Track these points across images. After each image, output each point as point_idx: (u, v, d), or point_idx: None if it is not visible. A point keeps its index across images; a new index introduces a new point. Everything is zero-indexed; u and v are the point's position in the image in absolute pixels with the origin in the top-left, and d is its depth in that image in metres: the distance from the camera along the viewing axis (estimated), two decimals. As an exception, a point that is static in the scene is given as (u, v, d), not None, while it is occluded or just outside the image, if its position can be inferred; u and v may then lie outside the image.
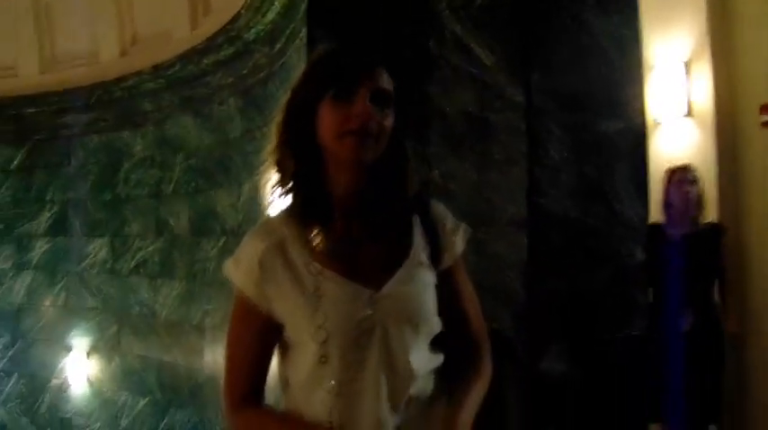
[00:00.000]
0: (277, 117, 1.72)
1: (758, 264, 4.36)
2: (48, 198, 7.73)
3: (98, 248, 7.38)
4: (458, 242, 1.78)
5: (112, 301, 7.23)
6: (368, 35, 2.92)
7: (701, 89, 4.51)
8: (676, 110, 4.58)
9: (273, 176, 1.71)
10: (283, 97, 1.74)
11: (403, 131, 1.69)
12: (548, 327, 2.71)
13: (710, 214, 4.36)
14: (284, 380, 1.73)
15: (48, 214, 7.73)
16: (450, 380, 1.73)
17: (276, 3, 4.78)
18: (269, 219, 1.78)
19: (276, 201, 1.75)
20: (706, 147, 4.48)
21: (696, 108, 4.54)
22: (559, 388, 2.68)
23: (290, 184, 1.67)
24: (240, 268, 1.67)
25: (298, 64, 4.27)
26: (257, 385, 1.71)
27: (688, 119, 4.57)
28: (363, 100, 1.58)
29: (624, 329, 2.83)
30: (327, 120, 1.60)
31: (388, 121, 1.62)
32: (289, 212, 1.69)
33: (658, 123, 4.66)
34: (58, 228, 7.67)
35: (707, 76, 4.50)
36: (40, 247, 7.75)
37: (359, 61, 1.64)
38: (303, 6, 4.04)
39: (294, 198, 1.67)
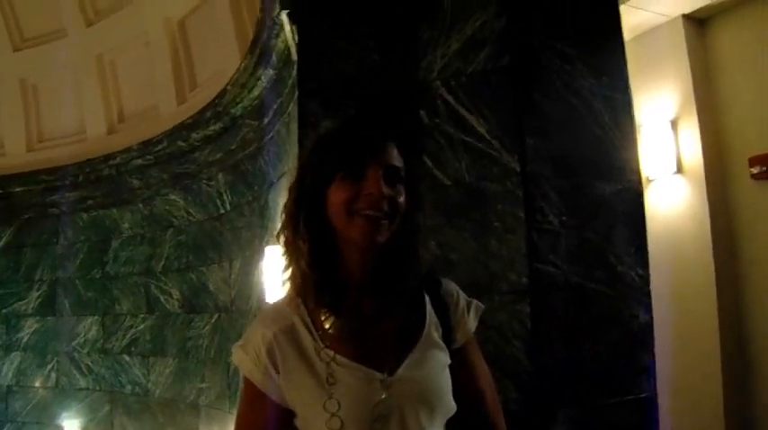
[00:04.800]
0: (285, 199, 1.70)
1: (756, 314, 4.34)
2: (36, 277, 7.70)
3: (88, 327, 7.32)
4: (470, 320, 1.76)
5: (104, 381, 7.15)
6: (361, 108, 2.93)
7: (690, 145, 4.55)
8: (666, 167, 4.60)
9: (282, 257, 1.68)
10: (273, 171, 1.72)
11: (415, 206, 1.67)
12: (554, 396, 2.65)
13: (707, 268, 4.37)
14: None
15: (36, 293, 7.69)
16: None
17: (262, 78, 4.81)
18: (276, 303, 1.73)
19: (271, 277, 1.72)
20: (698, 201, 4.49)
21: (686, 164, 4.57)
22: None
23: (302, 266, 1.63)
24: (248, 355, 1.63)
25: (287, 138, 4.29)
26: None
27: (678, 175, 4.59)
28: (375, 178, 1.56)
29: (632, 392, 2.78)
30: (338, 200, 1.57)
31: (401, 198, 1.60)
32: (297, 294, 1.65)
33: (650, 181, 4.67)
34: (48, 307, 7.62)
35: (694, 131, 4.53)
36: (29, 327, 7.71)
37: (368, 138, 1.62)
38: (291, 81, 4.07)
39: (305, 280, 1.63)
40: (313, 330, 1.61)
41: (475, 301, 1.80)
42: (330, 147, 1.64)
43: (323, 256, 1.61)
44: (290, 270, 1.66)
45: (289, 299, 1.68)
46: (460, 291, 1.79)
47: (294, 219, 1.64)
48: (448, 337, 1.70)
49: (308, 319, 1.62)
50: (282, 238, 1.66)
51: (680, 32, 4.59)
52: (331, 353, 1.58)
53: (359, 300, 1.63)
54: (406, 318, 1.66)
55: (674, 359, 4.42)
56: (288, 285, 1.67)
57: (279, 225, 1.69)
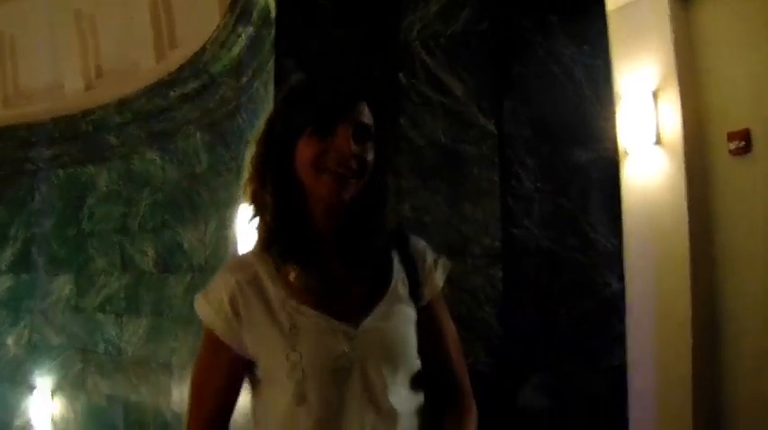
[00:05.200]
0: (252, 150, 1.68)
1: (728, 287, 4.36)
2: (11, 234, 7.65)
3: (62, 285, 7.29)
4: (438, 277, 1.75)
5: (77, 339, 7.13)
6: (337, 66, 2.90)
7: (670, 118, 4.53)
8: (645, 139, 4.60)
9: (248, 210, 1.66)
10: (250, 131, 1.70)
11: (383, 166, 1.65)
12: (525, 361, 2.66)
13: (682, 241, 4.38)
14: (255, 415, 1.67)
15: (11, 250, 7.65)
16: (433, 420, 1.68)
17: (242, 36, 4.76)
18: (242, 255, 1.72)
19: (245, 237, 1.71)
20: (675, 174, 4.48)
21: (665, 136, 4.56)
22: (539, 422, 2.63)
23: (267, 220, 1.61)
24: (210, 304, 1.61)
25: (265, 97, 4.25)
26: (223, 421, 1.66)
27: (657, 147, 4.58)
28: (344, 136, 1.54)
29: (602, 360, 2.79)
30: (306, 154, 1.55)
31: (370, 156, 1.58)
32: (263, 247, 1.64)
33: (627, 152, 4.67)
34: (22, 264, 7.58)
35: (675, 104, 4.52)
36: (2, 284, 7.69)
37: (340, 94, 1.59)
38: (269, 40, 4.02)
39: (270, 233, 1.62)
40: (278, 281, 1.60)
41: (442, 258, 1.79)
42: (301, 100, 1.62)
43: (289, 210, 1.60)
44: (256, 221, 1.64)
45: (255, 250, 1.67)
46: (429, 248, 1.78)
47: (261, 172, 1.62)
48: (415, 293, 1.69)
49: (273, 271, 1.61)
50: (249, 190, 1.64)
51: (663, 4, 4.56)
52: (294, 303, 1.57)
53: (325, 253, 1.62)
54: (373, 272, 1.65)
55: (647, 329, 4.45)
56: (257, 236, 1.66)
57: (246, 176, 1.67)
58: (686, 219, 4.41)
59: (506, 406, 2.59)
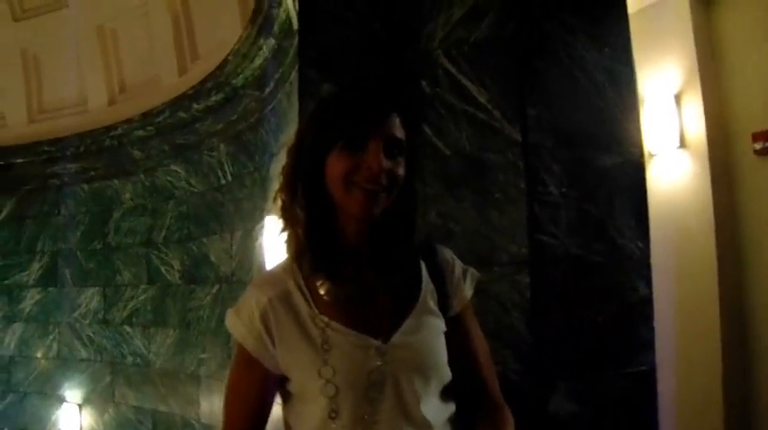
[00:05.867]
0: (283, 162, 1.68)
1: (756, 290, 4.33)
2: (38, 248, 7.72)
3: (90, 298, 7.35)
4: (466, 287, 1.75)
5: (105, 351, 7.19)
6: (361, 76, 2.91)
7: (693, 120, 4.52)
8: (669, 142, 4.58)
9: (278, 222, 1.67)
10: (274, 142, 1.70)
11: (414, 178, 1.65)
12: (554, 367, 2.65)
13: (708, 243, 4.36)
14: (288, 429, 1.68)
15: (38, 264, 7.72)
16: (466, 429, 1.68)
17: (264, 48, 4.79)
18: (271, 270, 1.73)
19: (272, 247, 1.71)
20: (701, 177, 4.46)
21: (689, 139, 4.54)
22: (568, 427, 2.63)
23: (298, 232, 1.62)
24: (241, 320, 1.62)
25: (288, 108, 4.28)
26: None
27: (681, 150, 4.57)
28: (375, 151, 1.53)
29: (631, 365, 2.78)
30: (336, 170, 1.55)
31: (401, 170, 1.58)
32: (292, 262, 1.64)
33: (652, 155, 4.65)
34: (49, 278, 7.65)
35: (698, 106, 4.50)
36: (30, 298, 7.74)
37: (371, 108, 1.58)
38: (292, 51, 4.05)
39: (300, 248, 1.62)
40: (308, 296, 1.61)
41: (471, 269, 1.80)
42: (331, 115, 1.61)
43: (319, 223, 1.60)
44: (286, 234, 1.65)
45: (285, 264, 1.67)
46: (456, 259, 1.78)
47: (292, 184, 1.62)
48: (444, 305, 1.69)
49: (303, 285, 1.62)
50: (279, 202, 1.65)
51: (685, 6, 4.55)
52: (326, 319, 1.57)
53: (355, 267, 1.62)
54: (402, 285, 1.65)
55: (675, 334, 4.43)
56: (286, 249, 1.66)
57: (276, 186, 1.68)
58: (712, 221, 4.39)
59: (536, 412, 2.59)
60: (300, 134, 1.66)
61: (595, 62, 2.88)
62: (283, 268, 1.67)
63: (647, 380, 2.80)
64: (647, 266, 2.88)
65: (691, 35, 4.55)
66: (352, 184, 1.54)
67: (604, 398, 2.70)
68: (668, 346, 4.23)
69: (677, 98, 4.60)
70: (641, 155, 2.97)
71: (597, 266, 2.76)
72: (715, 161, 4.44)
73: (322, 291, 1.60)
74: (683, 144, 4.56)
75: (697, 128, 4.50)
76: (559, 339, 2.67)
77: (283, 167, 1.66)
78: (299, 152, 1.63)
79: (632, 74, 3.02)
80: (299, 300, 1.61)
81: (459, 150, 2.80)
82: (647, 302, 2.84)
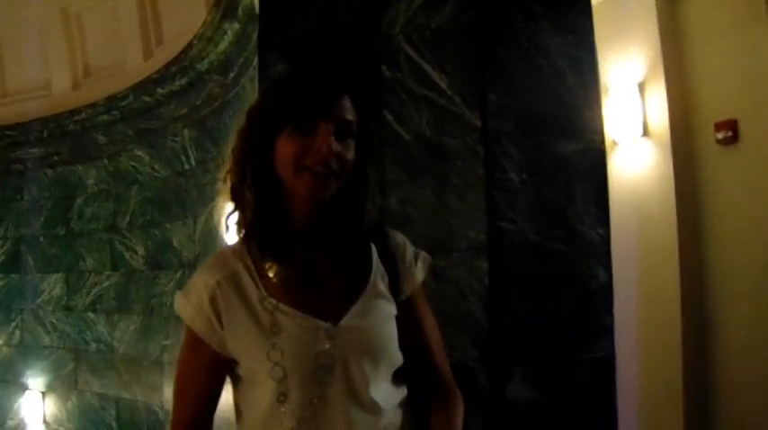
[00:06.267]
0: (232, 143, 1.66)
1: (717, 278, 4.37)
2: (0, 234, 7.59)
3: (53, 284, 7.28)
4: (418, 271, 1.74)
5: (69, 338, 7.13)
6: (320, 60, 2.89)
7: (657, 109, 4.54)
8: (632, 130, 4.60)
9: (228, 206, 1.65)
10: (237, 126, 1.68)
11: (364, 161, 1.63)
12: (512, 353, 2.66)
13: (670, 231, 4.39)
14: (238, 412, 1.66)
15: (0, 250, 7.59)
16: (417, 413, 1.68)
17: (228, 32, 4.76)
18: (221, 252, 1.71)
19: (232, 231, 1.69)
20: (663, 165, 4.49)
21: (652, 128, 4.57)
22: (526, 413, 2.63)
23: (247, 215, 1.60)
24: (190, 303, 1.60)
25: (251, 94, 4.25)
26: (206, 419, 1.65)
27: (644, 139, 4.59)
28: (325, 134, 1.51)
29: (590, 351, 2.79)
30: (286, 152, 1.53)
31: (351, 154, 1.56)
32: (242, 244, 1.63)
33: (616, 143, 4.67)
34: (12, 264, 7.57)
35: (661, 95, 4.52)
36: (-7, 284, 7.61)
37: (321, 91, 1.56)
38: (255, 36, 4.02)
39: (249, 230, 1.60)
40: (257, 278, 1.59)
41: (422, 253, 1.78)
42: (281, 96, 1.59)
43: (268, 206, 1.58)
44: (235, 215, 1.63)
45: (235, 246, 1.65)
46: (408, 243, 1.77)
47: (241, 166, 1.60)
48: (395, 288, 1.68)
49: (252, 267, 1.60)
50: (228, 184, 1.63)
51: (650, -5, 4.58)
52: (274, 301, 1.55)
53: (304, 250, 1.61)
54: (352, 268, 1.64)
55: (636, 321, 4.46)
56: (236, 231, 1.65)
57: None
58: (674, 209, 4.42)
59: (494, 398, 2.59)
60: (250, 115, 1.63)
61: (558, 49, 2.88)
62: (233, 250, 1.65)
63: (606, 366, 2.81)
64: (607, 253, 2.89)
65: (655, 24, 4.57)
66: (301, 167, 1.52)
67: (562, 384, 2.71)
68: (629, 333, 4.27)
69: (641, 87, 4.62)
70: (602, 142, 2.98)
71: (556, 253, 2.76)
72: (678, 150, 4.47)
73: (271, 274, 1.58)
74: (646, 132, 4.59)
75: (660, 116, 4.53)
76: (517, 325, 2.67)
77: (233, 149, 1.63)
78: (248, 134, 1.61)
79: (594, 61, 3.02)
80: (247, 282, 1.59)
81: (419, 136, 2.78)
82: (607, 289, 2.86)
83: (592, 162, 2.90)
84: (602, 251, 2.86)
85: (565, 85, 2.89)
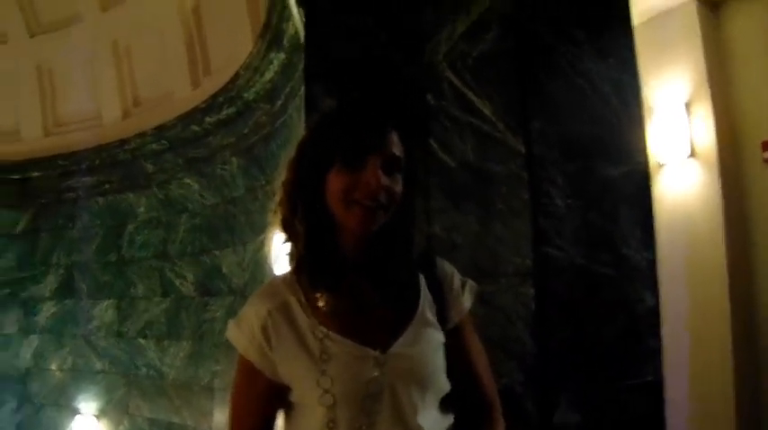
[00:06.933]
0: (283, 176, 1.70)
1: (766, 299, 4.31)
2: (53, 261, 7.78)
3: (104, 310, 7.40)
4: (465, 299, 1.76)
5: (120, 364, 7.23)
6: (366, 91, 2.93)
7: (703, 129, 4.51)
8: (679, 151, 4.57)
9: (279, 236, 1.69)
10: (285, 155, 1.72)
11: (411, 194, 1.67)
12: (559, 378, 2.65)
13: (719, 252, 4.34)
14: None
15: (54, 277, 7.77)
16: None
17: (274, 62, 4.83)
18: (272, 281, 1.74)
19: (283, 261, 1.73)
20: (710, 186, 4.46)
21: (698, 148, 4.53)
22: (575, 440, 2.62)
23: (299, 247, 1.64)
24: (242, 332, 1.64)
25: (298, 122, 4.31)
26: None
27: (691, 159, 4.56)
28: (374, 169, 1.55)
29: (637, 376, 2.77)
30: (336, 186, 1.57)
31: (398, 187, 1.60)
32: (293, 274, 1.67)
33: (662, 165, 4.64)
34: (65, 290, 7.70)
35: (707, 115, 4.49)
36: (46, 311, 7.79)
37: (369, 127, 1.60)
38: (301, 65, 4.07)
39: (300, 261, 1.65)
40: (307, 308, 1.62)
41: (469, 281, 1.81)
42: (330, 133, 1.63)
43: (319, 238, 1.62)
44: (287, 246, 1.67)
45: (285, 276, 1.69)
46: (455, 271, 1.80)
47: (292, 199, 1.64)
48: (442, 316, 1.70)
49: (302, 297, 1.64)
50: (280, 217, 1.67)
51: (693, 15, 4.55)
52: (324, 329, 1.59)
53: (353, 280, 1.64)
54: (401, 298, 1.66)
55: (686, 344, 4.41)
56: (288, 261, 1.69)
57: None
58: (722, 229, 4.38)
59: (541, 424, 2.59)
60: (300, 150, 1.68)
61: (600, 73, 2.89)
62: (283, 280, 1.69)
63: (654, 390, 2.79)
64: (654, 277, 2.87)
65: (699, 44, 4.55)
66: (351, 201, 1.56)
67: (610, 410, 2.69)
68: (679, 356, 4.22)
69: (687, 107, 4.59)
70: (647, 165, 2.97)
71: (602, 277, 2.75)
72: (725, 170, 4.43)
73: (321, 303, 1.61)
74: (692, 153, 4.55)
75: (706, 137, 4.50)
76: (564, 350, 2.67)
77: (283, 182, 1.68)
78: (299, 167, 1.65)
79: (637, 84, 3.02)
80: (297, 311, 1.63)
81: (464, 162, 2.81)
82: (654, 313, 2.83)
83: (637, 185, 2.89)
84: (648, 275, 2.84)
85: (608, 109, 2.89)
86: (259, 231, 5.46)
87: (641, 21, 4.39)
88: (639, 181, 2.92)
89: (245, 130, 5.82)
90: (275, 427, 1.70)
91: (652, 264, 2.86)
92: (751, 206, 4.41)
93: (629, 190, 2.87)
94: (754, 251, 4.38)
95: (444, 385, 1.66)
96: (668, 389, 2.84)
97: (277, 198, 1.71)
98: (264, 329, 1.61)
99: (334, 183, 1.58)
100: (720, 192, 4.41)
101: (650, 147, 3.14)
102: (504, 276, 2.69)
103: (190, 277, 6.66)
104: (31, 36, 7.65)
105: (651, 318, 2.82)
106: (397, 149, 1.62)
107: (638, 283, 2.82)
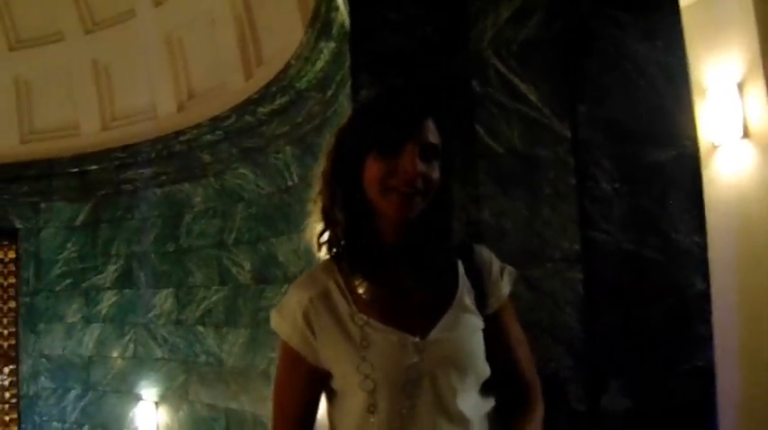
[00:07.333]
0: (321, 165, 1.74)
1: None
2: (113, 252, 7.94)
3: (163, 299, 7.52)
4: (504, 285, 1.78)
5: (179, 351, 7.35)
6: (412, 77, 2.95)
7: (757, 110, 4.43)
8: (732, 132, 4.50)
9: (319, 225, 1.73)
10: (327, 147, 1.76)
11: (449, 181, 1.69)
12: (608, 363, 2.66)
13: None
14: (332, 426, 1.74)
15: (113, 267, 7.94)
16: (504, 424, 1.71)
17: (324, 51, 4.86)
18: (312, 270, 1.79)
19: (323, 250, 1.76)
20: (764, 167, 4.37)
21: (752, 129, 4.45)
22: (622, 424, 2.62)
23: (338, 234, 1.68)
24: (285, 320, 1.69)
25: (348, 110, 4.33)
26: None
27: (745, 140, 4.48)
28: (411, 156, 1.58)
29: (687, 361, 2.75)
30: (373, 173, 1.60)
31: (435, 174, 1.62)
32: (332, 262, 1.70)
33: (716, 146, 4.57)
34: (125, 280, 7.86)
35: (761, 95, 4.41)
36: (107, 300, 7.97)
37: (405, 114, 1.63)
38: (350, 53, 4.10)
39: (341, 247, 1.69)
40: (347, 295, 1.67)
41: (508, 267, 1.82)
42: (367, 121, 1.67)
43: (358, 225, 1.66)
44: (326, 234, 1.71)
45: (325, 264, 1.73)
46: (494, 257, 1.82)
47: (331, 187, 1.69)
48: (481, 303, 1.73)
49: (342, 284, 1.68)
50: (319, 205, 1.71)
51: (746, -7, 4.47)
52: (364, 316, 1.63)
53: (392, 267, 1.67)
54: (439, 284, 1.69)
55: (738, 330, 4.34)
56: (326, 250, 1.72)
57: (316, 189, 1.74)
58: (777, 211, 4.30)
59: (590, 409, 2.60)
60: (338, 138, 1.72)
61: (646, 55, 2.86)
62: (323, 268, 1.74)
63: (705, 377, 2.76)
64: (704, 261, 2.84)
65: (753, 23, 4.46)
66: (388, 188, 1.60)
67: (659, 395, 2.69)
68: (731, 343, 4.16)
69: (740, 87, 4.51)
70: (696, 148, 2.93)
71: (651, 262, 2.74)
72: (779, 151, 4.35)
73: (360, 290, 1.66)
74: (746, 134, 4.47)
75: (761, 117, 4.41)
76: (613, 335, 2.67)
77: (322, 171, 1.72)
78: (337, 155, 1.69)
79: (685, 66, 2.98)
80: (338, 298, 1.67)
81: (511, 148, 2.82)
82: (705, 298, 2.81)
83: (686, 168, 2.86)
84: (698, 259, 2.81)
85: (655, 92, 2.86)
86: (311, 212, 5.50)
87: (693, 0, 4.33)
88: (688, 164, 2.88)
89: (298, 120, 5.86)
90: (317, 413, 1.74)
91: (702, 248, 2.83)
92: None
93: (677, 173, 2.85)
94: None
95: (484, 370, 1.69)
96: (719, 377, 2.82)
97: (316, 187, 1.75)
98: (306, 316, 1.65)
99: (372, 170, 1.61)
100: (774, 172, 4.33)
101: (702, 129, 3.10)
102: (552, 261, 2.70)
103: (247, 265, 6.75)
104: (86, 33, 7.80)
105: (701, 303, 2.79)
106: (434, 137, 1.64)
107: (687, 268, 2.79)
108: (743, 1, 4.48)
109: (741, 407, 4.23)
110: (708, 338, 2.77)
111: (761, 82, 4.40)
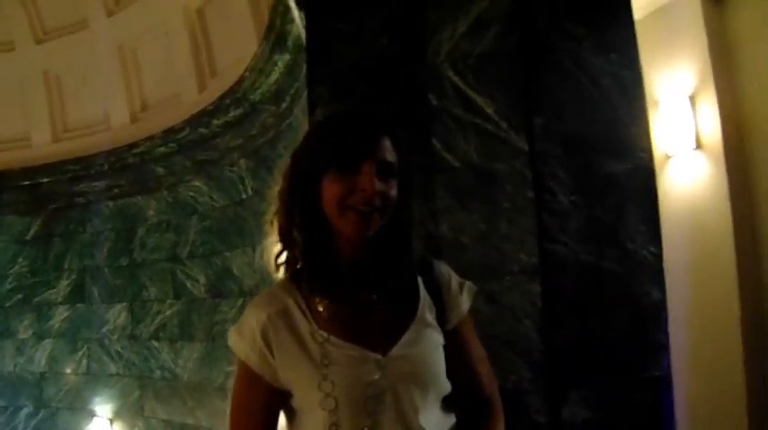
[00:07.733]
0: (278, 185, 1.73)
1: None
2: (65, 266, 7.84)
3: (117, 314, 7.45)
4: (463, 301, 1.78)
5: (134, 366, 7.28)
6: (368, 91, 2.94)
7: (709, 121, 4.49)
8: (685, 143, 4.56)
9: (277, 246, 1.71)
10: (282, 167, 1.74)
11: (407, 198, 1.69)
12: (567, 375, 2.67)
13: (727, 245, 4.32)
14: None
15: (66, 282, 7.84)
16: None
17: (279, 63, 4.85)
18: (271, 288, 1.77)
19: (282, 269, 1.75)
20: (717, 178, 4.43)
21: (705, 140, 4.51)
22: (584, 435, 2.64)
23: (296, 253, 1.67)
24: (243, 338, 1.67)
25: (303, 123, 4.32)
26: None
27: (698, 151, 4.54)
28: (368, 175, 1.57)
29: (645, 370, 2.78)
30: (331, 193, 1.59)
31: (393, 192, 1.62)
32: (291, 279, 1.69)
33: (669, 157, 4.63)
34: (77, 295, 7.76)
35: (713, 107, 4.47)
36: (59, 315, 7.86)
37: (362, 133, 1.62)
38: (306, 66, 4.09)
39: (298, 268, 1.68)
40: (307, 313, 1.65)
41: (468, 282, 1.82)
42: (324, 141, 1.66)
43: (316, 244, 1.65)
44: (284, 255, 1.69)
45: (283, 283, 1.71)
46: (453, 273, 1.82)
47: (288, 207, 1.67)
48: (442, 318, 1.73)
49: (302, 303, 1.66)
50: (276, 225, 1.70)
51: (697, 6, 4.52)
52: (325, 334, 1.61)
53: (352, 284, 1.66)
54: (400, 300, 1.68)
55: (694, 339, 4.39)
56: (284, 270, 1.71)
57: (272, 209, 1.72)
58: (731, 221, 4.34)
59: (550, 420, 2.60)
60: (295, 159, 1.71)
61: (601, 68, 2.89)
62: (282, 286, 1.72)
63: (663, 385, 2.79)
64: (660, 271, 2.87)
65: (703, 35, 4.52)
66: (346, 207, 1.59)
67: (619, 405, 2.71)
68: (687, 352, 4.21)
69: (692, 99, 4.57)
70: (651, 159, 2.97)
71: (609, 273, 2.76)
72: (732, 162, 4.40)
73: (320, 308, 1.64)
74: (699, 145, 4.53)
75: (713, 128, 4.47)
76: (572, 346, 2.69)
77: (279, 191, 1.70)
78: (294, 175, 1.68)
79: (639, 78, 3.01)
80: (297, 316, 1.65)
81: (468, 162, 2.83)
82: (661, 307, 2.84)
83: (641, 180, 2.89)
84: (654, 269, 2.84)
85: (610, 104, 2.89)
86: (267, 233, 5.48)
87: (645, 14, 4.39)
88: (644, 175, 2.91)
89: (253, 132, 5.84)
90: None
91: (658, 258, 2.86)
92: (758, 197, 4.39)
93: (633, 185, 2.87)
94: (763, 242, 4.36)
95: (445, 386, 1.68)
96: (678, 385, 2.85)
97: (273, 207, 1.73)
98: (265, 334, 1.63)
99: (329, 189, 1.60)
100: (727, 183, 4.38)
101: (656, 140, 3.14)
102: (510, 274, 2.71)
103: (201, 279, 6.70)
104: (38, 43, 7.70)
105: (658, 313, 2.82)
106: (390, 155, 1.64)
107: (643, 278, 2.82)
108: (693, 13, 4.55)
109: (698, 417, 4.27)
110: (664, 347, 2.80)
111: (712, 94, 4.46)
